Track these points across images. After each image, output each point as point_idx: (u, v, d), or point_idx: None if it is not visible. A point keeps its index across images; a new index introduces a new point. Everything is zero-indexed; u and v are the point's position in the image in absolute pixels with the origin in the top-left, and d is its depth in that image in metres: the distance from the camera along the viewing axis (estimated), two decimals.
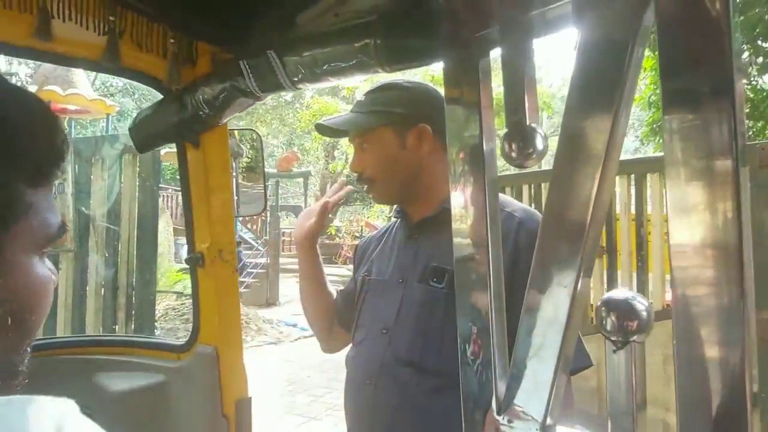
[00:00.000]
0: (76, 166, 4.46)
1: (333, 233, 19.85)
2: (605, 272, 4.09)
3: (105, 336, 1.88)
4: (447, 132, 0.82)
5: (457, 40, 0.77)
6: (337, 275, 14.14)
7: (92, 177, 4.49)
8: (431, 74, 11.54)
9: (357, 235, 20.90)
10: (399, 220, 1.28)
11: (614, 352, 0.59)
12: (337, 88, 13.62)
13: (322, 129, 1.28)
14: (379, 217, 17.43)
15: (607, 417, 0.60)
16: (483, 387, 0.78)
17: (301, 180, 15.15)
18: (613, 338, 0.58)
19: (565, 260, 0.64)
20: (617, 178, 3.86)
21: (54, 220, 0.42)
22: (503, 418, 0.73)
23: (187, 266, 1.34)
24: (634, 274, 4.00)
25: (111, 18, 1.03)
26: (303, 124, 12.86)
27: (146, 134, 1.26)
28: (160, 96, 1.26)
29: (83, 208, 4.39)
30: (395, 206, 1.29)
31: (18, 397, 0.33)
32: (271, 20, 1.02)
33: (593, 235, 0.63)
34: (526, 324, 0.67)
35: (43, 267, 0.43)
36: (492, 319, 0.76)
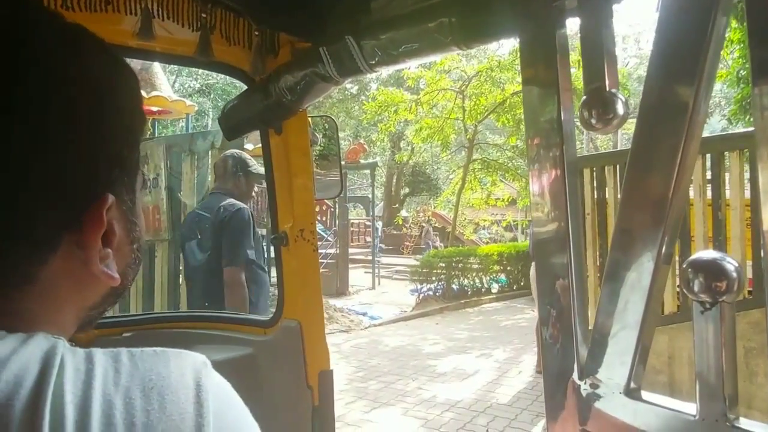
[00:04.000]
0: (169, 162, 4.80)
1: (400, 223, 19.97)
2: (678, 259, 3.90)
3: (198, 312, 2.03)
4: (524, 113, 0.83)
5: (533, 11, 0.78)
6: (404, 265, 14.25)
7: (183, 171, 4.80)
8: (498, 58, 11.30)
9: (423, 225, 20.90)
10: None
11: (702, 313, 0.58)
12: (402, 79, 13.64)
13: None
14: (446, 206, 17.33)
15: (695, 379, 0.60)
16: (565, 360, 0.79)
17: (368, 171, 15.33)
18: (700, 299, 0.58)
19: (648, 227, 0.65)
20: None
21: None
22: (585, 383, 0.74)
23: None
24: None
25: (203, 15, 1.12)
26: (369, 116, 12.99)
27: (233, 123, 1.35)
28: (245, 87, 1.35)
29: (176, 200, 4.72)
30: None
31: (163, 349, 0.38)
32: (348, 6, 1.06)
33: (677, 204, 0.62)
34: (608, 289, 0.68)
35: None
36: (573, 290, 0.77)
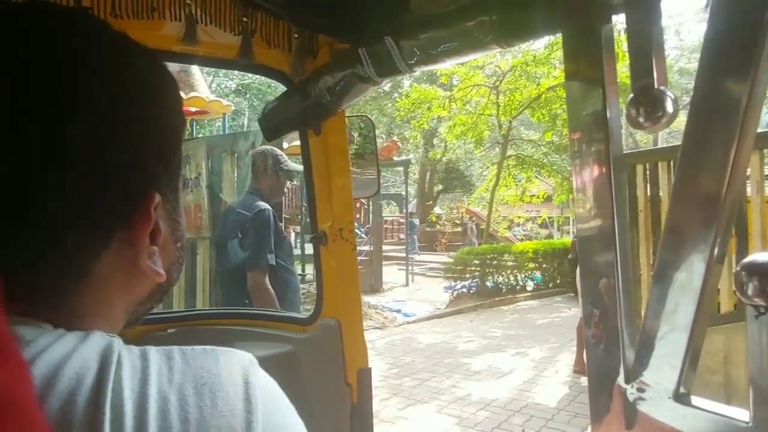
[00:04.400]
0: (210, 162, 4.93)
1: (433, 220, 19.90)
2: (734, 257, 3.76)
3: (240, 309, 2.08)
4: (567, 109, 0.81)
5: (576, 8, 0.77)
6: (438, 262, 14.20)
7: (224, 171, 4.92)
8: (533, 53, 11.10)
9: (458, 222, 20.76)
10: None
11: (756, 317, 0.57)
12: (435, 75, 13.56)
13: None
14: (480, 203, 17.17)
15: (749, 384, 0.58)
16: (610, 362, 0.77)
17: (401, 168, 15.33)
18: (755, 303, 0.56)
19: (700, 226, 0.63)
20: None
21: None
22: (632, 387, 0.73)
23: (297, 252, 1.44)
24: None
25: (244, 19, 1.14)
26: (402, 113, 12.97)
27: (273, 124, 1.38)
28: (283, 88, 1.37)
29: (216, 199, 4.84)
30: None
31: (213, 347, 0.39)
32: (387, 7, 1.07)
33: (730, 202, 0.60)
34: (657, 289, 0.67)
35: None
36: (620, 290, 0.75)
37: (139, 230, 0.41)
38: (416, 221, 20.54)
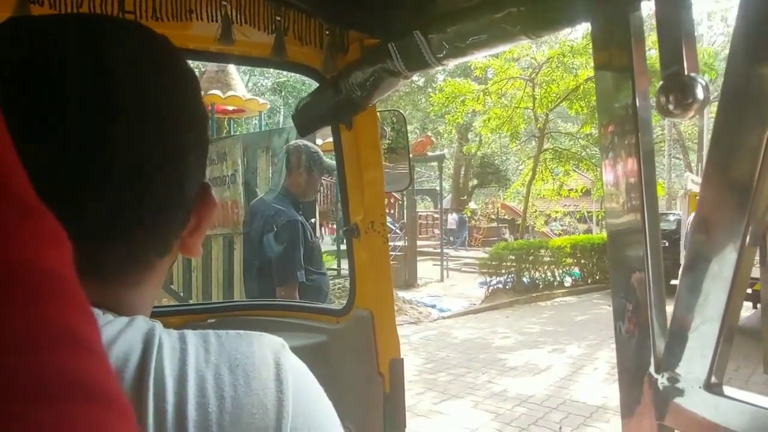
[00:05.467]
0: (246, 159, 5.06)
1: (469, 215, 19.74)
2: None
3: (275, 301, 2.13)
4: (597, 100, 0.81)
5: None
6: (473, 258, 14.10)
7: (259, 167, 5.03)
8: (570, 43, 10.86)
9: (493, 217, 20.53)
10: None
11: None
12: (470, 69, 13.43)
13: None
14: (515, 198, 16.92)
15: None
16: (641, 354, 0.77)
17: (435, 164, 15.26)
18: None
19: (731, 214, 0.62)
20: None
21: None
22: (663, 377, 0.72)
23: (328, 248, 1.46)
24: None
25: (277, 18, 1.17)
26: (436, 108, 12.90)
27: (306, 119, 1.41)
28: (316, 84, 1.40)
29: (252, 195, 4.97)
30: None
31: (246, 332, 0.42)
32: (415, 1, 1.08)
33: (764, 192, 0.59)
34: (688, 279, 0.66)
35: None
36: (649, 281, 0.75)
37: (205, 218, 0.46)
38: (455, 216, 20.41)
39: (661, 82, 0.67)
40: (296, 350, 0.42)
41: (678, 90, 0.65)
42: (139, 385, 0.35)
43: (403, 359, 1.43)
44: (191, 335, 0.39)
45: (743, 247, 0.60)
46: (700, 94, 0.65)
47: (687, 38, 0.66)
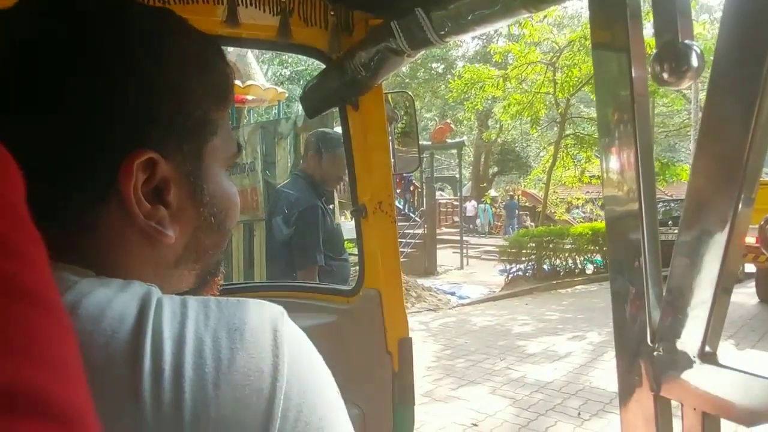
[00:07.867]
0: (264, 146, 5.10)
1: (489, 203, 19.60)
2: None
3: (287, 282, 2.16)
4: (595, 79, 0.80)
5: None
6: (492, 245, 14.03)
7: (277, 154, 5.07)
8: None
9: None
10: None
11: None
12: (489, 54, 13.25)
13: None
14: (536, 185, 16.73)
15: None
16: (636, 322, 0.77)
17: (455, 151, 15.16)
18: None
19: (723, 182, 0.61)
20: None
21: (233, 139, 0.52)
22: (657, 347, 0.72)
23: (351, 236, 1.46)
24: None
25: None
26: (455, 94, 12.78)
27: (313, 101, 1.42)
28: (323, 66, 1.41)
29: (271, 181, 5.01)
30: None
31: (245, 299, 0.42)
32: None
33: (755, 162, 0.59)
34: (681, 245, 0.66)
35: (229, 180, 0.53)
36: (645, 251, 0.74)
37: (124, 185, 0.43)
38: (473, 204, 20.17)
39: (654, 51, 0.66)
40: (307, 330, 0.42)
41: (672, 58, 0.65)
42: (135, 344, 0.36)
43: (411, 338, 1.45)
44: (192, 301, 0.41)
45: (735, 216, 0.60)
46: (694, 61, 0.64)
47: (680, 5, 0.65)
